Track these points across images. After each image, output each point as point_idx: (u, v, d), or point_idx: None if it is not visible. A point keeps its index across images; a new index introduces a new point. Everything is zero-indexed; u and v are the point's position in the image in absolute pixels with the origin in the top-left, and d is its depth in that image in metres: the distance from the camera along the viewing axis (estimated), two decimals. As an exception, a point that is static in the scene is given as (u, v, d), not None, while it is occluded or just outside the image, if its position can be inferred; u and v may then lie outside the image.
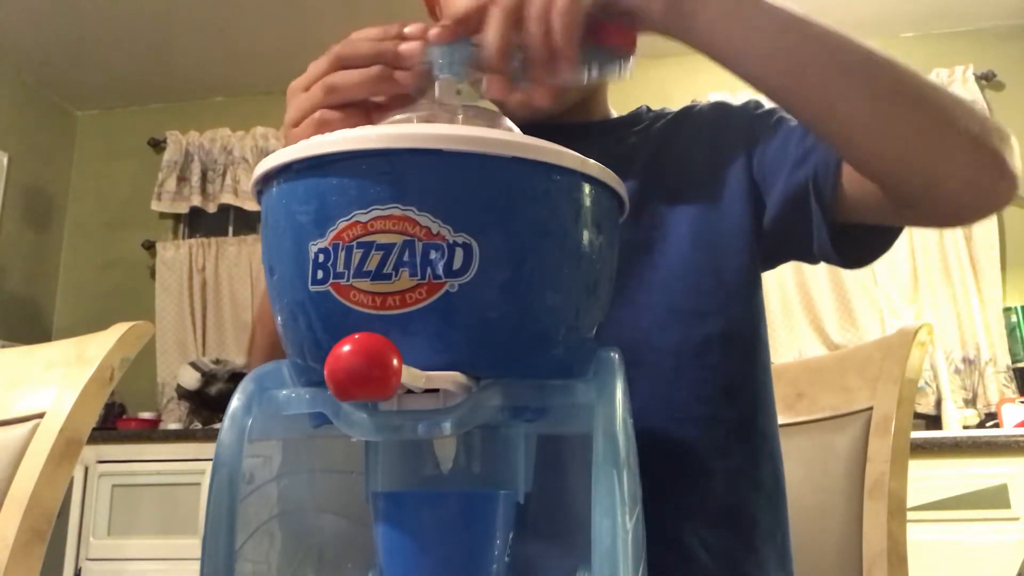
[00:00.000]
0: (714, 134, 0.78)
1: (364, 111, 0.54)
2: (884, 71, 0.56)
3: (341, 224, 0.40)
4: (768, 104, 0.77)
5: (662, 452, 0.67)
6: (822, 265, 0.75)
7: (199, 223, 3.65)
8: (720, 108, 0.82)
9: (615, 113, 0.86)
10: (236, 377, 2.91)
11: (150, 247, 3.54)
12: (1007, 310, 2.84)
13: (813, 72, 0.56)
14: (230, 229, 3.60)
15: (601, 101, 0.85)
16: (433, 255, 0.39)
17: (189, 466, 2.64)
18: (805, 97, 0.57)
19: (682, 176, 0.77)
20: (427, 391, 0.39)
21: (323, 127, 0.54)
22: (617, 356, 0.44)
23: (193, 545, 2.54)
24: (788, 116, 0.75)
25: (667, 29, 0.56)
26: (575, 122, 0.79)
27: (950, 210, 0.62)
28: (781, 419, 0.80)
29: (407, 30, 0.53)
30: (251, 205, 3.38)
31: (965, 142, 0.57)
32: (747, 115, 0.79)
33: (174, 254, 3.48)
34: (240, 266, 3.43)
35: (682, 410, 0.69)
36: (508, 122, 0.49)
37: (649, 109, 0.86)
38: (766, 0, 0.56)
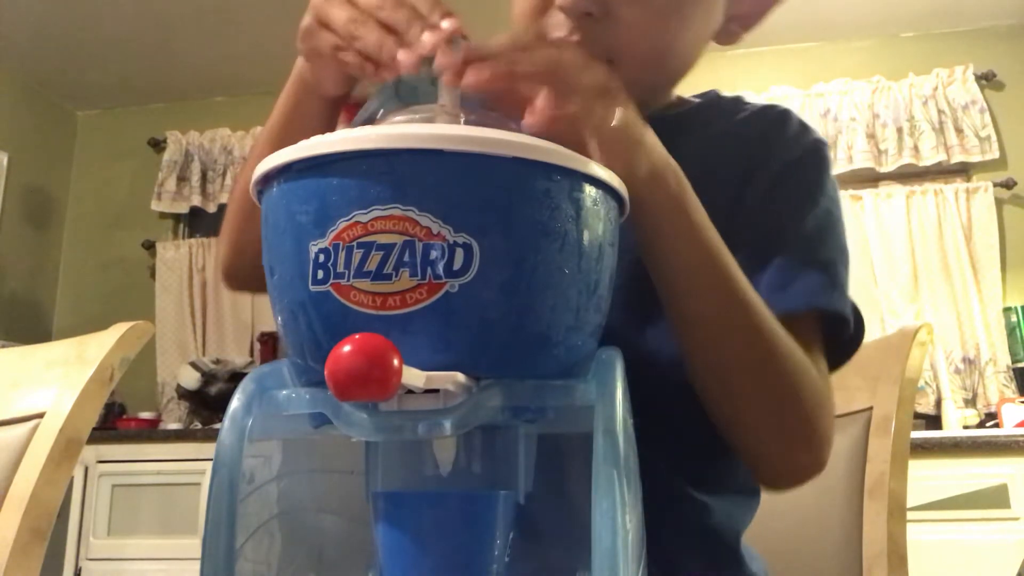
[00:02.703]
0: (753, 158, 0.71)
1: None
2: (759, 347, 0.58)
3: (341, 224, 0.40)
4: (816, 161, 0.71)
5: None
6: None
7: (199, 223, 3.65)
8: (777, 128, 0.73)
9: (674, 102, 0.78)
10: (236, 377, 2.91)
11: (150, 247, 3.54)
12: (1007, 310, 2.84)
13: (710, 305, 0.58)
14: (230, 229, 3.60)
15: (656, 102, 0.76)
16: (433, 255, 0.39)
17: (189, 466, 2.64)
18: (690, 324, 0.59)
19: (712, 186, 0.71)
20: (427, 391, 0.39)
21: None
22: (617, 356, 0.44)
23: (193, 545, 2.54)
24: (810, 211, 0.68)
25: (639, 192, 0.54)
26: (664, 115, 0.72)
27: (748, 459, 0.64)
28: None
29: (425, 39, 0.51)
30: (251, 205, 3.37)
31: (791, 421, 0.60)
32: (791, 159, 0.71)
33: (174, 254, 3.48)
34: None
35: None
36: (510, 123, 0.49)
37: (720, 95, 0.79)
38: (704, 232, 0.57)
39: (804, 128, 0.74)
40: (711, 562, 0.67)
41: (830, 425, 0.62)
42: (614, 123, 0.50)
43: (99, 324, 0.90)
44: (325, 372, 0.34)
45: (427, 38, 0.51)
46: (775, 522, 0.82)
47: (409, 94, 0.51)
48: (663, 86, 0.73)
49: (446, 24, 0.51)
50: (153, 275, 3.49)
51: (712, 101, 0.79)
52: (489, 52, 0.49)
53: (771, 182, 0.69)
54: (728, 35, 0.72)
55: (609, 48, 0.63)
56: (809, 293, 0.64)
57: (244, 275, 0.74)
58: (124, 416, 3.15)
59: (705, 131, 0.75)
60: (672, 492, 0.65)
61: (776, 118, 0.74)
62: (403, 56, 0.52)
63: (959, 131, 3.02)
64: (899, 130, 3.05)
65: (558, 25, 0.64)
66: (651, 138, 0.55)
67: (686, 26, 0.66)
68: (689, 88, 0.78)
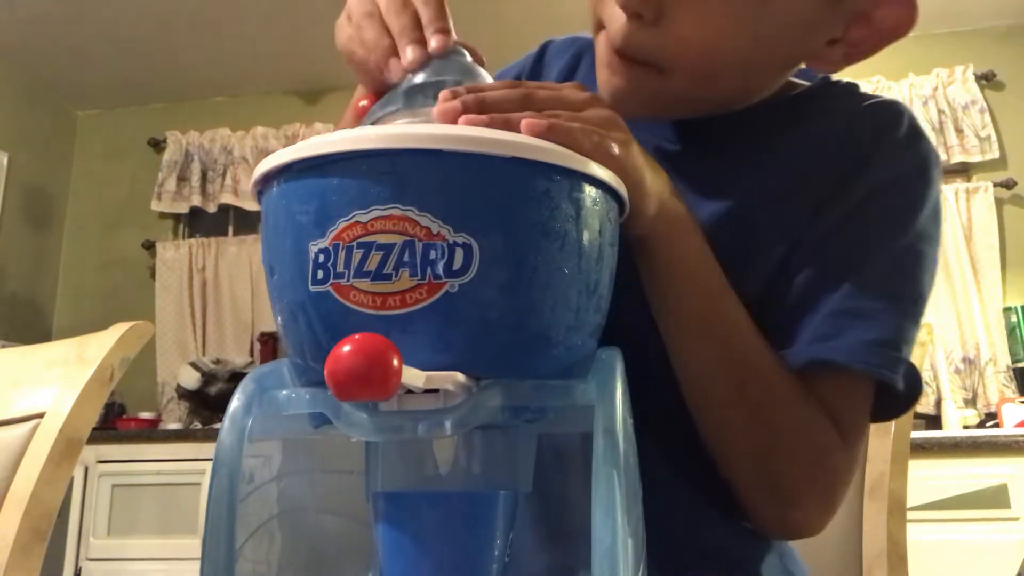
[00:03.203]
0: (848, 167, 0.63)
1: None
2: (755, 383, 0.57)
3: (341, 224, 0.40)
4: (911, 182, 0.63)
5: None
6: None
7: (199, 223, 3.65)
8: (880, 131, 0.65)
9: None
10: (236, 377, 2.91)
11: (150, 247, 3.54)
12: (1007, 310, 2.84)
13: (707, 345, 0.57)
14: (230, 229, 3.60)
15: (744, 101, 0.67)
16: (433, 255, 0.39)
17: (189, 466, 2.64)
18: (688, 362, 0.58)
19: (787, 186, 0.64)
20: (427, 391, 0.39)
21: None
22: (617, 356, 0.44)
23: (193, 545, 2.54)
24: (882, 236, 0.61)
25: (644, 230, 0.54)
26: (726, 113, 0.66)
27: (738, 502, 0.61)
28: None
29: (409, 55, 0.51)
30: (251, 205, 3.38)
31: (780, 483, 0.58)
32: (887, 177, 0.62)
33: (174, 254, 3.48)
34: (240, 266, 3.43)
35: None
36: None
37: (832, 81, 0.71)
38: (702, 266, 0.57)
39: (915, 135, 0.64)
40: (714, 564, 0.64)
41: (831, 488, 0.59)
42: (613, 157, 0.47)
43: (99, 324, 0.90)
44: (325, 372, 0.34)
45: (411, 54, 0.51)
46: (775, 522, 0.82)
47: (417, 94, 0.51)
48: (720, 102, 0.65)
49: (434, 43, 0.51)
50: (153, 275, 3.49)
51: (823, 90, 0.70)
52: (487, 98, 0.47)
53: (864, 197, 0.61)
54: (827, 62, 0.65)
55: (659, 56, 0.59)
56: (853, 351, 0.57)
57: None
58: (124, 416, 3.15)
59: (810, 127, 0.67)
60: (686, 504, 0.62)
61: (888, 119, 0.65)
62: (392, 64, 0.52)
63: (959, 131, 3.02)
64: (899, 130, 3.05)
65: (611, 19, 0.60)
66: (656, 181, 0.54)
67: (749, 41, 0.58)
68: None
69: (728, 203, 0.64)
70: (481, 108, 0.46)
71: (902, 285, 0.60)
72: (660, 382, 0.59)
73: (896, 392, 0.58)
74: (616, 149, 0.48)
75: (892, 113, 0.66)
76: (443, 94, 0.46)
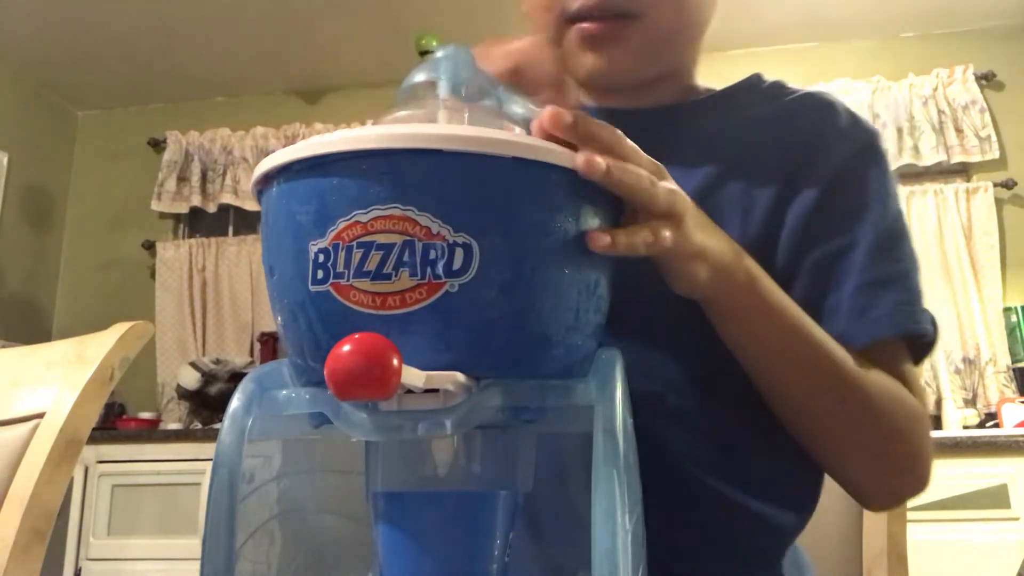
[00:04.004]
0: (799, 154, 0.68)
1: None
2: (851, 391, 0.60)
3: (341, 224, 0.40)
4: (873, 157, 0.69)
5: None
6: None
7: (199, 223, 3.65)
8: (823, 117, 0.70)
9: (703, 90, 0.77)
10: (236, 377, 2.91)
11: (150, 247, 3.54)
12: (1007, 310, 2.84)
13: (799, 377, 0.60)
14: (230, 229, 3.60)
15: (680, 80, 0.75)
16: (433, 255, 0.39)
17: (189, 466, 2.64)
18: (784, 394, 0.61)
19: (756, 176, 0.68)
20: (427, 391, 0.39)
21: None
22: (617, 356, 0.44)
23: (193, 545, 2.54)
24: (869, 209, 0.66)
25: (698, 293, 0.56)
26: (654, 106, 0.72)
27: (857, 495, 0.66)
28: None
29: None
30: (251, 205, 3.38)
31: (893, 457, 0.62)
32: (845, 156, 0.68)
33: (174, 254, 3.48)
34: (240, 266, 3.43)
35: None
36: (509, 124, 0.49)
37: (762, 78, 0.77)
38: (781, 314, 0.59)
39: (854, 119, 0.71)
40: (744, 568, 0.65)
41: (930, 443, 0.63)
42: (673, 242, 0.49)
43: (99, 324, 0.90)
44: (325, 372, 0.35)
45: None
46: (775, 522, 0.82)
47: (428, 92, 0.50)
48: (685, 42, 0.73)
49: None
50: (153, 275, 3.49)
51: (754, 84, 0.77)
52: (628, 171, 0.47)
53: (829, 184, 0.66)
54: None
55: (635, 1, 0.66)
56: (893, 318, 0.63)
57: None
58: (124, 416, 3.15)
59: (747, 111, 0.73)
60: (706, 491, 0.64)
61: (822, 108, 0.71)
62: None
63: (959, 131, 3.02)
64: (899, 130, 3.05)
65: None
66: (713, 238, 0.54)
67: None
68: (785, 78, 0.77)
69: (690, 187, 0.65)
70: (579, 126, 0.45)
71: (901, 250, 0.66)
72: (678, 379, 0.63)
73: (927, 337, 0.65)
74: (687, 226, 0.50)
75: (827, 99, 0.72)
76: (582, 152, 0.44)
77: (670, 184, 0.50)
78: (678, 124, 0.70)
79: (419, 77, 0.51)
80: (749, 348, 0.59)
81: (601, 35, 0.67)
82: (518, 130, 0.47)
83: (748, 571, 0.66)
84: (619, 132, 0.48)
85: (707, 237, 0.53)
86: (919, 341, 0.65)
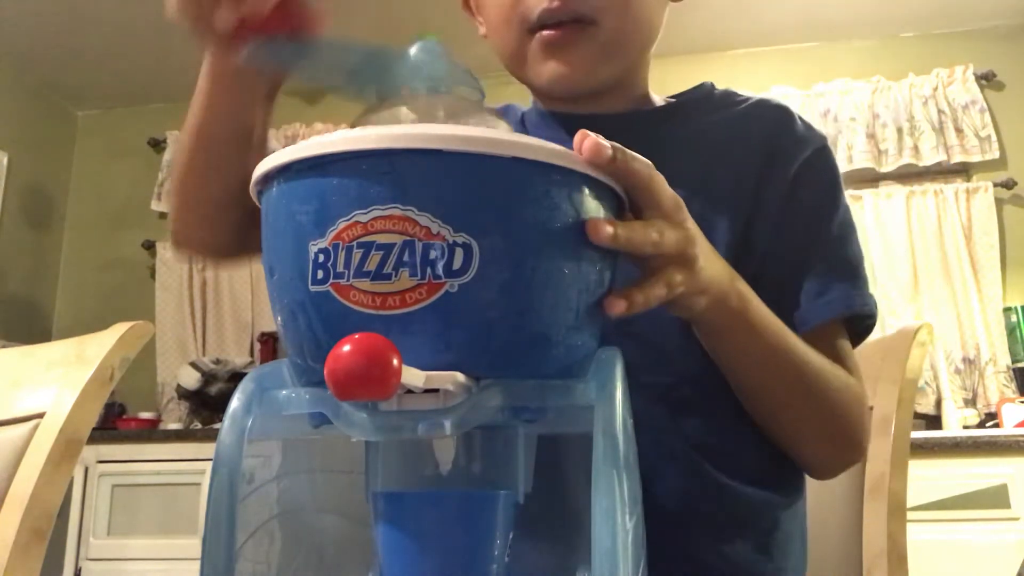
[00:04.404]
0: (766, 154, 0.74)
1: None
2: (815, 388, 0.67)
3: (341, 224, 0.40)
4: (826, 161, 0.76)
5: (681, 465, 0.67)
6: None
7: (199, 223, 3.65)
8: (780, 123, 0.76)
9: (658, 100, 0.81)
10: (236, 377, 2.91)
11: (150, 247, 3.54)
12: (1007, 310, 2.84)
13: (775, 381, 0.66)
14: (230, 229, 3.60)
15: (632, 89, 0.79)
16: (433, 255, 0.39)
17: (189, 466, 2.64)
18: (759, 394, 0.67)
19: (715, 184, 0.73)
20: (427, 391, 0.39)
21: None
22: (617, 356, 0.44)
23: (193, 545, 2.54)
24: (830, 198, 0.74)
25: (699, 318, 0.58)
26: (610, 113, 0.76)
27: (809, 469, 0.73)
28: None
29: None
30: (251, 205, 3.37)
31: (839, 435, 0.69)
32: (803, 160, 0.74)
33: (174, 254, 3.47)
34: (240, 266, 3.43)
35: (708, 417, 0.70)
36: (492, 118, 0.49)
37: (714, 87, 0.82)
38: (766, 332, 0.63)
39: (807, 126, 0.78)
40: (736, 550, 0.68)
41: (866, 426, 0.72)
42: (685, 287, 0.52)
43: (99, 324, 0.90)
44: (325, 372, 0.35)
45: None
46: (775, 522, 0.82)
47: (390, 93, 0.50)
48: (638, 48, 0.76)
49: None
50: (153, 275, 3.49)
51: (707, 92, 0.82)
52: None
53: (790, 185, 0.73)
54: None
55: (588, 7, 0.69)
56: (845, 300, 0.71)
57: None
58: (124, 416, 3.15)
59: (706, 118, 0.78)
60: (701, 476, 0.68)
61: (778, 116, 0.77)
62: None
63: (959, 131, 3.02)
64: (899, 130, 3.05)
65: None
66: (714, 268, 0.56)
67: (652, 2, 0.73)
68: (756, 80, 0.79)
69: None
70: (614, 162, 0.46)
71: (851, 242, 0.74)
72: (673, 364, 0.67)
73: (872, 319, 0.73)
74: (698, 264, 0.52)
75: (781, 105, 0.79)
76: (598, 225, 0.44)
77: (683, 218, 0.52)
78: (637, 131, 0.70)
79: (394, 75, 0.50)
80: (733, 359, 0.64)
81: (563, 40, 0.71)
82: (503, 125, 0.47)
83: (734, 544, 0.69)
84: (651, 166, 0.49)
85: (709, 266, 0.55)
86: (864, 323, 0.73)
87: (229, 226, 0.74)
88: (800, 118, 0.78)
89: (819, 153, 0.75)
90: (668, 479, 0.66)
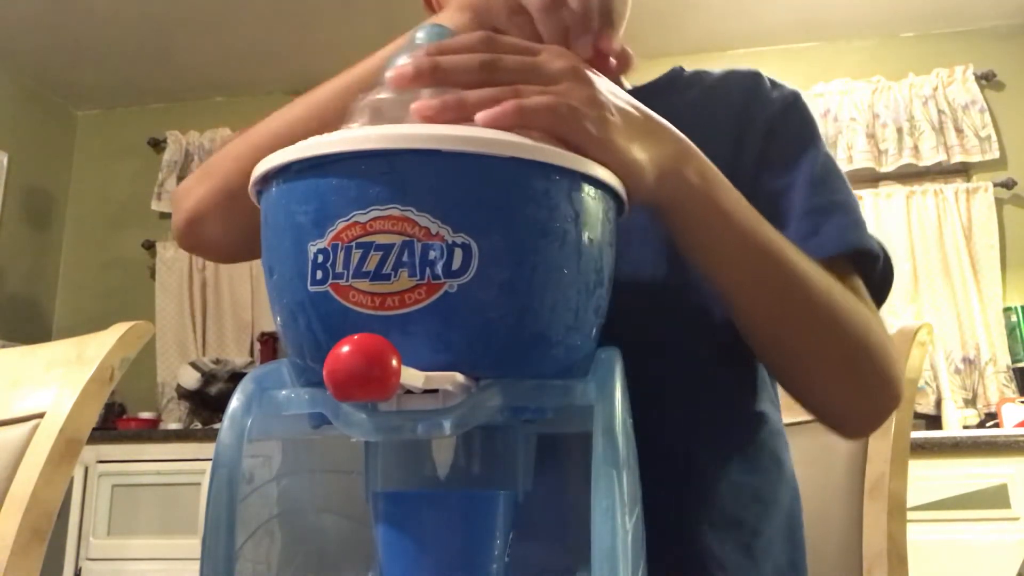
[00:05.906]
0: (738, 121, 0.73)
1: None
2: (818, 301, 0.60)
3: (340, 224, 0.40)
4: (799, 111, 0.74)
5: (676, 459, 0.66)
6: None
7: (199, 223, 3.65)
8: (752, 90, 0.76)
9: (627, 86, 0.78)
10: (236, 377, 2.91)
11: (150, 247, 3.54)
12: (1007, 310, 2.84)
13: (765, 287, 0.58)
14: (230, 229, 3.60)
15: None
16: (432, 255, 0.39)
17: (189, 466, 2.64)
18: (751, 306, 0.59)
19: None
20: (426, 391, 0.39)
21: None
22: (617, 356, 0.44)
23: (193, 545, 2.54)
24: (805, 147, 0.71)
25: (649, 202, 0.52)
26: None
27: (833, 421, 0.66)
28: (782, 419, 0.80)
29: None
30: (251, 205, 3.37)
31: (865, 369, 0.62)
32: (773, 114, 0.73)
33: (174, 254, 3.48)
34: (240, 266, 3.43)
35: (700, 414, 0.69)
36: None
37: (683, 70, 0.81)
38: (739, 219, 0.57)
39: (776, 85, 0.77)
40: (725, 533, 0.67)
41: (897, 360, 0.64)
42: (589, 138, 0.46)
43: (99, 324, 0.90)
44: (324, 372, 0.34)
45: None
46: (775, 522, 0.82)
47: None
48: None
49: None
50: (153, 275, 3.49)
51: (676, 75, 0.81)
52: (443, 64, 0.46)
53: (763, 141, 0.72)
54: None
55: None
56: (839, 236, 0.65)
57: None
58: (124, 416, 3.15)
59: (676, 98, 0.76)
60: (689, 460, 0.66)
61: (747, 83, 0.76)
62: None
63: (959, 131, 3.02)
64: (899, 130, 3.05)
65: None
66: (653, 150, 0.51)
67: None
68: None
69: None
70: (434, 74, 0.45)
71: (836, 183, 0.70)
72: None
73: (878, 270, 0.69)
74: (593, 129, 0.46)
75: (751, 70, 0.78)
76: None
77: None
78: None
79: (402, 60, 0.50)
80: (713, 259, 0.57)
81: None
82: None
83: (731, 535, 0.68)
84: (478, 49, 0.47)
85: (652, 144, 0.50)
86: (869, 264, 0.67)
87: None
88: (770, 79, 0.77)
89: (790, 105, 0.74)
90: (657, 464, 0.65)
